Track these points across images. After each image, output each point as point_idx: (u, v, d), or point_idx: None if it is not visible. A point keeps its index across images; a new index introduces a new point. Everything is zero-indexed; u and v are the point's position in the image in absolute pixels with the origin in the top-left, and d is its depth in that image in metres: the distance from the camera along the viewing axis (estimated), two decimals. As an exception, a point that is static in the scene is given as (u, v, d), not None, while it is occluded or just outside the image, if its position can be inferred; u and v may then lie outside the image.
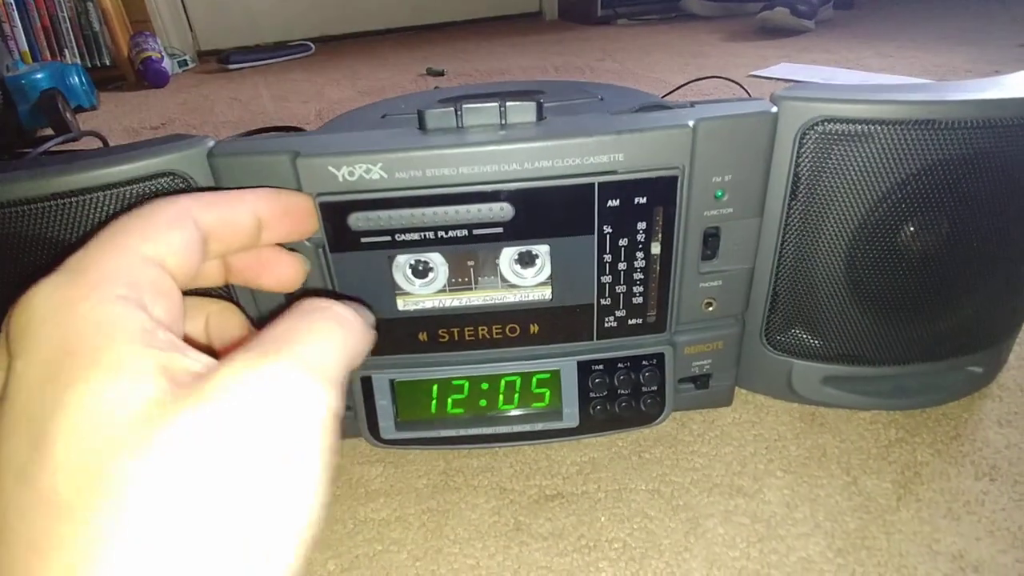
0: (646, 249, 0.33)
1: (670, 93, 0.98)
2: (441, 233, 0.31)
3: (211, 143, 0.31)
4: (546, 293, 0.34)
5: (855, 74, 1.16)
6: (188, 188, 0.32)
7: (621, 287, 0.34)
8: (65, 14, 1.62)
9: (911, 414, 0.41)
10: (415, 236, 0.31)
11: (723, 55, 1.42)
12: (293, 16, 2.08)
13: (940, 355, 0.39)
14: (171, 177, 0.31)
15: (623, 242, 0.32)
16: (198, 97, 1.48)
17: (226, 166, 0.31)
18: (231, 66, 1.74)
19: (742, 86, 0.88)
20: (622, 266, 0.33)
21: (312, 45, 1.94)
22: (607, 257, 0.33)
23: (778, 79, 1.18)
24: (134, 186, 0.31)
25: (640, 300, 0.34)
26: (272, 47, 1.93)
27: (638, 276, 0.34)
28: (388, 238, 0.31)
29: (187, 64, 1.82)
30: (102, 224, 0.17)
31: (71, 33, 1.64)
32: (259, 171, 0.30)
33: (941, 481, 0.36)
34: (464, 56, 1.68)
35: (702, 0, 1.92)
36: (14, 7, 1.61)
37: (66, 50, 1.65)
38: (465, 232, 0.31)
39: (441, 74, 1.44)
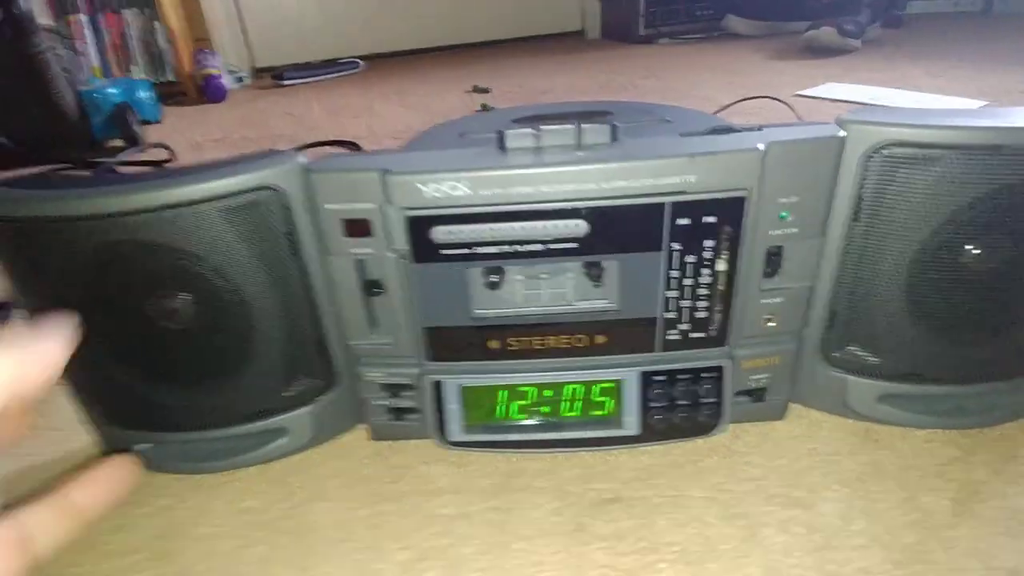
0: (712, 266, 0.34)
1: (717, 112, 0.99)
2: (517, 247, 0.33)
3: (301, 159, 0.34)
4: (613, 304, 0.36)
5: (904, 94, 1.16)
6: (282, 201, 0.34)
7: (686, 302, 0.35)
8: (134, 33, 1.72)
9: (967, 433, 0.41)
10: (493, 249, 0.33)
11: (767, 74, 1.43)
12: (343, 34, 2.15)
13: (1001, 375, 0.40)
14: (268, 191, 0.34)
15: (690, 259, 0.34)
16: (254, 112, 1.55)
17: (322, 181, 0.33)
18: (285, 82, 1.81)
19: (790, 106, 0.89)
20: (688, 282, 0.35)
21: (361, 62, 2.00)
22: (674, 273, 0.34)
23: (824, 99, 1.18)
24: (233, 198, 0.34)
25: (703, 315, 0.36)
26: (323, 64, 2.00)
27: (703, 292, 0.35)
28: (467, 250, 0.33)
29: (243, 80, 1.90)
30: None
31: (139, 51, 1.73)
32: (352, 186, 0.33)
33: (999, 500, 0.36)
34: (508, 74, 1.71)
35: (745, 19, 1.93)
36: (85, 26, 1.71)
37: (133, 67, 1.74)
38: (540, 246, 0.33)
39: (487, 91, 1.48)
